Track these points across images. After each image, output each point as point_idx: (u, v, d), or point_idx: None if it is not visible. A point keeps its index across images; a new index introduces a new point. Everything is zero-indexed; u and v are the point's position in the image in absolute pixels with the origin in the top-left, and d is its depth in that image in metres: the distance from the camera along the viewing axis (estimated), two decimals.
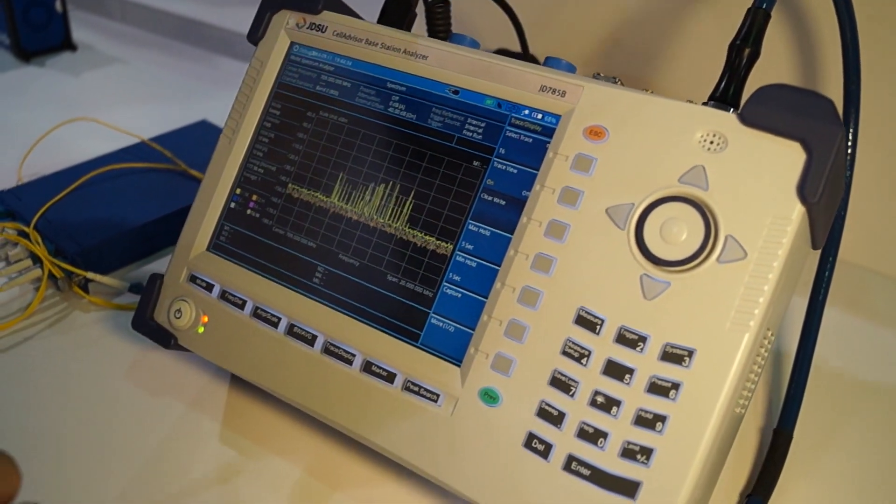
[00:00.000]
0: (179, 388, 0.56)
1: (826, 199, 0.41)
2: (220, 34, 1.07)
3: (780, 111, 0.40)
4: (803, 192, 0.40)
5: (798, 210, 0.40)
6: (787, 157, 0.40)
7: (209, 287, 0.52)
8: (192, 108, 0.89)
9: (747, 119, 0.41)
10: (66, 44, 1.03)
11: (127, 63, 1.04)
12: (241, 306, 0.51)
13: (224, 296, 0.51)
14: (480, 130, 0.47)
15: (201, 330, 0.52)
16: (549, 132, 0.45)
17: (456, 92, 0.48)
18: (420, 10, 0.57)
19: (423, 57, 0.49)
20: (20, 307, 0.63)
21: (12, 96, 0.95)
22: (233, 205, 0.53)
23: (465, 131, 0.47)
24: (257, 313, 0.50)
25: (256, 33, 0.54)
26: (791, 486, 0.51)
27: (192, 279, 0.53)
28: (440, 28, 0.57)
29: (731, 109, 0.43)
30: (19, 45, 0.99)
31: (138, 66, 1.04)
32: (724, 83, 0.47)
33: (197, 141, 0.79)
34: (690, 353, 0.40)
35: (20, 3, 0.98)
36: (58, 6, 1.01)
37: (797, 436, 0.52)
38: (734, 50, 0.48)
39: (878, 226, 0.69)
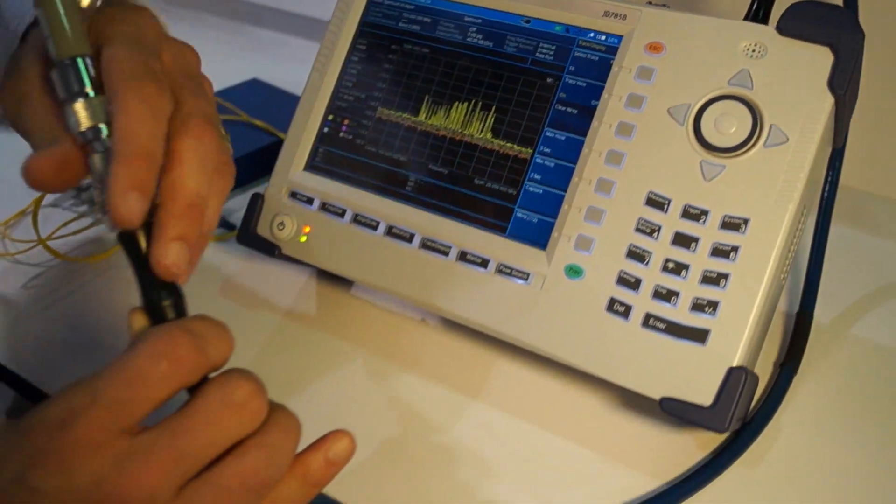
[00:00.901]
0: (272, 302, 0.63)
1: (849, 96, 0.50)
2: (247, 8, 1.14)
3: (810, 22, 0.50)
4: (833, 85, 0.49)
5: (829, 101, 0.49)
6: (818, 59, 0.49)
7: (309, 201, 0.60)
8: (233, 72, 0.96)
9: (783, 30, 0.50)
10: None
11: None
12: (341, 215, 0.58)
13: (324, 207, 0.59)
14: (552, 52, 0.55)
15: (304, 239, 0.59)
16: (612, 50, 0.54)
17: (528, 21, 0.56)
18: None
19: None
20: (114, 241, 0.70)
21: None
22: (326, 129, 0.61)
23: (537, 54, 0.56)
24: (357, 219, 0.58)
25: None
26: (815, 358, 0.59)
27: (293, 195, 0.60)
28: None
29: None
30: None
31: (175, 35, 1.11)
32: (754, 7, 0.56)
33: (253, 95, 0.86)
34: (745, 221, 0.49)
35: None
36: None
37: (817, 319, 0.61)
38: None
39: (873, 150, 0.79)
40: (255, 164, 0.78)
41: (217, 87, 0.88)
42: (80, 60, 0.39)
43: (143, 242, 0.38)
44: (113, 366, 0.35)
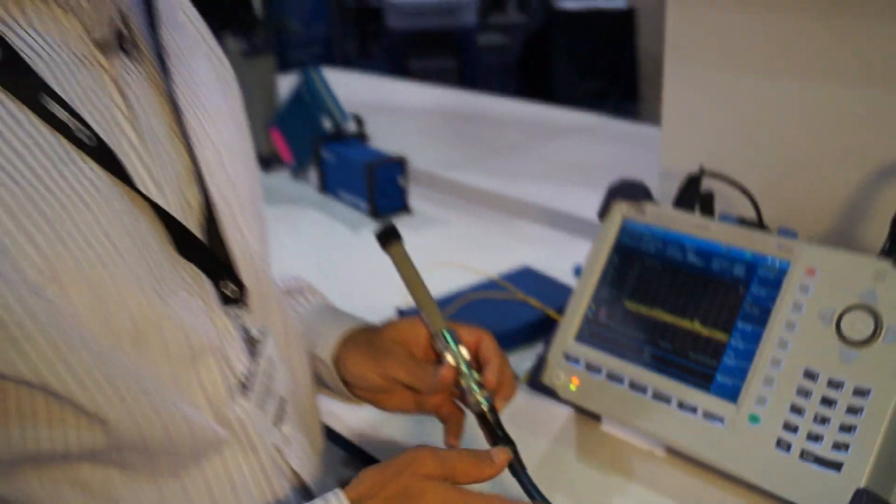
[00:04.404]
0: (538, 432, 0.98)
1: None
2: (515, 204, 1.56)
3: None
4: None
5: None
6: None
7: (577, 361, 0.96)
8: (502, 257, 1.36)
9: None
10: (405, 208, 1.55)
11: (449, 224, 1.54)
12: (599, 372, 0.94)
13: (588, 366, 0.95)
14: (743, 270, 0.89)
15: (573, 388, 0.95)
16: (783, 272, 0.87)
17: (727, 248, 0.91)
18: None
19: (708, 229, 0.92)
20: None
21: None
22: (589, 314, 0.97)
23: (734, 271, 0.90)
24: (610, 376, 0.93)
25: (603, 213, 0.99)
26: None
27: (566, 356, 0.97)
28: (706, 210, 1.00)
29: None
30: (375, 209, 1.51)
31: (458, 226, 1.54)
32: (889, 245, 0.88)
33: (525, 279, 1.25)
34: (870, 390, 0.79)
35: (380, 179, 1.51)
36: (400, 181, 1.53)
37: None
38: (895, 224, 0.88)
39: None
40: (531, 331, 1.15)
41: (490, 268, 1.28)
42: (445, 332, 0.79)
43: (490, 417, 0.77)
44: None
